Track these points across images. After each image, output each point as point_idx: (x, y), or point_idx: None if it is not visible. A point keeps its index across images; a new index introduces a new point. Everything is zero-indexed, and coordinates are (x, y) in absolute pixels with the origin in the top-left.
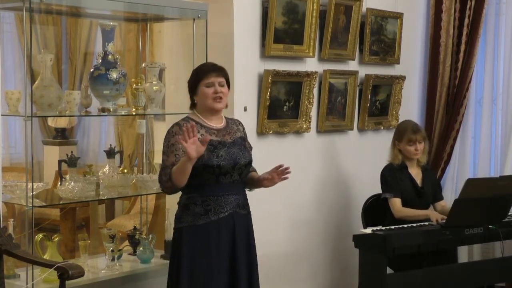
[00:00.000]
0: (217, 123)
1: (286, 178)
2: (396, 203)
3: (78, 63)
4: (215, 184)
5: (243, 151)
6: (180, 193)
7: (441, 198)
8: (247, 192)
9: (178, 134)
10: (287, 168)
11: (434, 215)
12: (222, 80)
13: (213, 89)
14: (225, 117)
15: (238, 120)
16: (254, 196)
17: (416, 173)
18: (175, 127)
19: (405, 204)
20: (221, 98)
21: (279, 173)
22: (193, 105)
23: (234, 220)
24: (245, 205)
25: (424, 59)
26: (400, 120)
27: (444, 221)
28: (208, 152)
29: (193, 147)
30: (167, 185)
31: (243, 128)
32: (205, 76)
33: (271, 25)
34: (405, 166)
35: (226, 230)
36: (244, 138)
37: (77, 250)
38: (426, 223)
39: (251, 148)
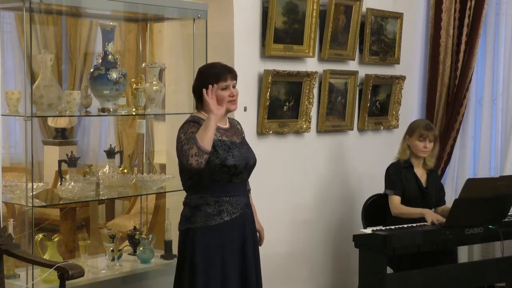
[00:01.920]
0: (223, 124)
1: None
2: (395, 200)
3: (78, 63)
4: (227, 184)
5: (250, 151)
6: (185, 193)
7: (444, 203)
8: None
9: (193, 128)
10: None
11: (429, 214)
12: (235, 82)
13: (229, 92)
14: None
15: (236, 120)
16: (254, 197)
17: (421, 173)
18: (189, 123)
19: (408, 203)
20: (235, 100)
21: None
22: (200, 106)
23: (244, 219)
24: (249, 205)
25: (424, 59)
26: (401, 120)
27: (440, 222)
28: (224, 152)
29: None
30: (191, 152)
31: (241, 127)
32: (223, 78)
33: (271, 25)
34: (411, 164)
35: (237, 230)
36: (244, 137)
37: (77, 250)
38: (427, 223)
39: None
